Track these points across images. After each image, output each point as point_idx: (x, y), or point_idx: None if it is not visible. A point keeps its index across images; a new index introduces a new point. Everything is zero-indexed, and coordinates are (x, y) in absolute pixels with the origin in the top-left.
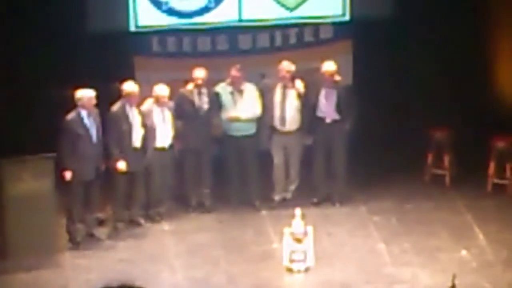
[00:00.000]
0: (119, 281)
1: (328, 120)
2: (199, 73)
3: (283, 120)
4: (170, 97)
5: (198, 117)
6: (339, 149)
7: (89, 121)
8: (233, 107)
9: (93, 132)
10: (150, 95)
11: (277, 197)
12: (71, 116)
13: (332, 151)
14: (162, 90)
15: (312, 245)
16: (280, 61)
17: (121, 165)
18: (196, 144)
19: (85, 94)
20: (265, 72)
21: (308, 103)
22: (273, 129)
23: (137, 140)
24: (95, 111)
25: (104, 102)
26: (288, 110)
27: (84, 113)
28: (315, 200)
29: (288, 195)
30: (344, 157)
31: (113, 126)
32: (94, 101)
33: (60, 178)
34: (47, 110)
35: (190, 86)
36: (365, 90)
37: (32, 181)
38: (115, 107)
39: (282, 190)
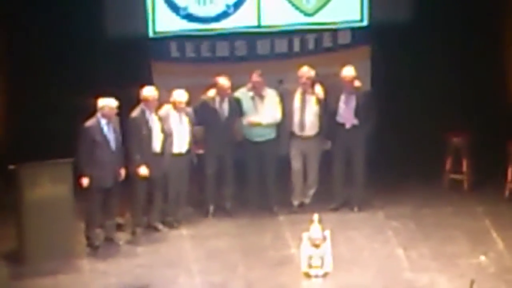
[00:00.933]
0: (135, 286)
1: (347, 126)
2: (225, 82)
3: (302, 125)
4: (188, 103)
5: (220, 124)
6: (358, 155)
7: (108, 129)
8: (254, 112)
9: (112, 140)
10: (168, 101)
11: (295, 202)
12: (90, 123)
13: (351, 156)
14: (180, 95)
15: (330, 250)
16: (298, 67)
17: (143, 171)
18: (218, 149)
19: (108, 103)
20: (283, 78)
21: (328, 109)
22: (292, 134)
23: (157, 145)
24: (115, 119)
25: (123, 108)
26: (308, 116)
27: (103, 121)
28: (333, 205)
29: (307, 200)
30: (363, 163)
31: (133, 131)
32: (115, 111)
33: (78, 185)
34: (66, 116)
35: (211, 92)
36: (383, 95)
37: (50, 186)
38: (135, 113)
39: (301, 195)
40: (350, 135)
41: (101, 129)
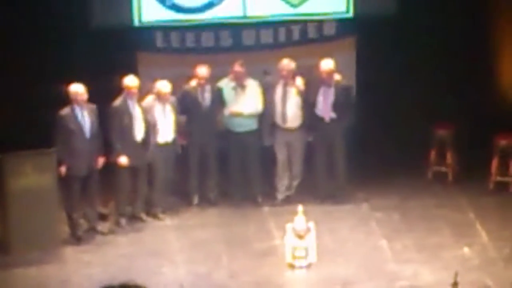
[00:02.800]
0: (120, 280)
1: (326, 119)
2: (202, 71)
3: (284, 117)
4: (173, 93)
5: (202, 113)
6: (339, 147)
7: (83, 116)
8: (235, 102)
9: (87, 128)
10: (152, 91)
11: (279, 194)
12: (64, 111)
13: (333, 149)
14: (163, 86)
15: (314, 241)
16: (283, 58)
17: (123, 160)
18: (200, 139)
19: (76, 89)
20: (268, 68)
21: (307, 101)
22: (275, 125)
23: (139, 135)
24: (90, 106)
25: (107, 98)
26: (289, 107)
27: (78, 109)
28: (317, 198)
29: (291, 192)
30: (344, 155)
31: (114, 120)
32: (85, 97)
33: (60, 175)
34: (50, 105)
35: (193, 82)
36: (368, 87)
37: (34, 176)
38: (117, 102)
39: (285, 186)
40: (330, 128)
41: (76, 117)
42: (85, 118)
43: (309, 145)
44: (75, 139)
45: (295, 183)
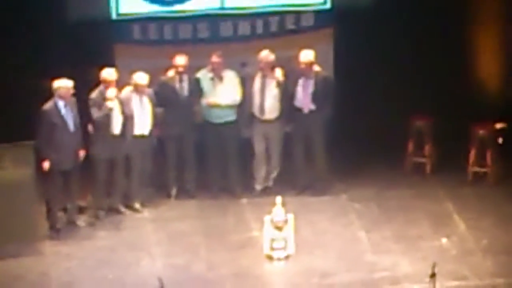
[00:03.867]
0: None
1: (305, 110)
2: (180, 60)
3: (262, 108)
4: (151, 85)
5: (180, 104)
6: (317, 139)
7: (66, 110)
8: (213, 93)
9: (70, 122)
10: (129, 83)
11: (258, 185)
12: (48, 105)
13: (311, 140)
14: (140, 78)
15: (293, 233)
16: (261, 49)
17: (111, 104)
18: (178, 130)
19: (63, 84)
20: (246, 60)
21: (286, 92)
22: (253, 117)
23: (116, 127)
24: (72, 100)
25: (85, 90)
26: (267, 99)
27: (61, 103)
28: (296, 189)
29: (269, 183)
30: (323, 146)
31: (91, 112)
32: (71, 91)
33: (40, 168)
34: (27, 98)
35: (171, 73)
36: (346, 78)
37: (12, 169)
38: (94, 94)
39: (263, 178)
40: (308, 119)
41: (59, 111)
42: (68, 112)
43: (288, 136)
44: (59, 133)
45: (274, 174)
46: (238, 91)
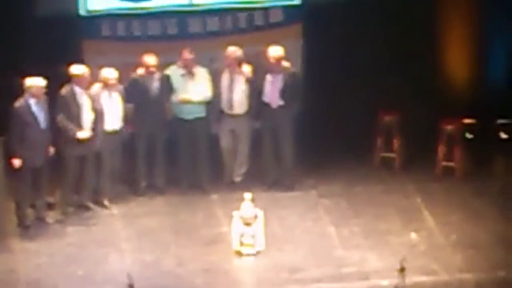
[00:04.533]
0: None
1: (273, 106)
2: (150, 60)
3: (230, 104)
4: (120, 81)
5: (150, 101)
6: (285, 134)
7: (37, 108)
8: (184, 89)
9: (41, 119)
10: (98, 79)
11: (226, 181)
12: (19, 103)
13: (280, 135)
14: (109, 73)
15: (262, 228)
16: (229, 45)
17: (82, 134)
18: (148, 127)
19: (35, 83)
20: (215, 56)
21: (254, 88)
22: (221, 112)
23: (87, 123)
24: (43, 97)
25: (53, 87)
26: (236, 94)
27: (32, 100)
28: (265, 184)
29: (238, 179)
30: (291, 142)
31: (63, 109)
32: (44, 90)
33: (8, 164)
34: None
35: (140, 70)
36: (315, 73)
37: None
38: (64, 90)
39: (232, 173)
40: (277, 115)
41: (30, 109)
42: (40, 109)
43: (256, 132)
44: (30, 130)
45: (242, 170)
46: (209, 87)
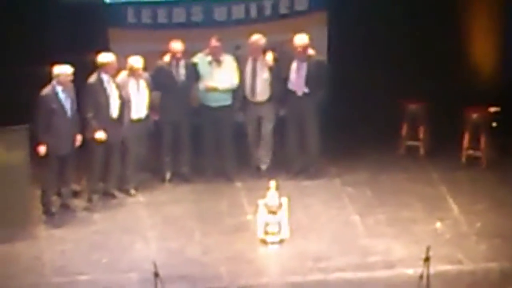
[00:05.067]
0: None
1: (299, 93)
2: (177, 46)
3: (253, 91)
4: (146, 69)
5: (176, 89)
6: (310, 122)
7: (64, 96)
8: (211, 77)
9: (68, 107)
10: (125, 67)
11: (252, 168)
12: (46, 91)
13: (305, 123)
14: (136, 61)
15: (287, 217)
16: (254, 33)
17: (100, 135)
18: (174, 115)
19: (63, 71)
20: (240, 44)
21: (279, 75)
22: (245, 99)
23: (114, 111)
24: (70, 85)
25: (79, 74)
26: (259, 82)
27: (59, 88)
28: (290, 173)
29: (264, 166)
30: (316, 130)
31: (90, 97)
32: (71, 78)
33: (34, 152)
34: (22, 83)
35: (167, 58)
36: (340, 62)
37: (6, 153)
38: (92, 79)
39: (258, 161)
40: (302, 102)
41: (57, 97)
42: (67, 97)
43: (281, 120)
44: (57, 118)
45: (267, 158)
46: (236, 75)
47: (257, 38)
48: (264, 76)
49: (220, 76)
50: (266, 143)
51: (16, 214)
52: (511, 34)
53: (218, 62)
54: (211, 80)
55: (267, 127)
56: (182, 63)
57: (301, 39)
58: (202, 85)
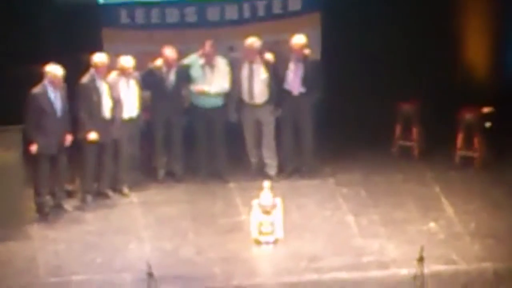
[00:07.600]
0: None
1: (295, 93)
2: (171, 54)
3: (251, 94)
4: (138, 68)
5: (167, 91)
6: (306, 122)
7: (55, 95)
8: (203, 81)
9: (58, 107)
10: (116, 67)
11: (253, 172)
12: (37, 90)
13: (300, 123)
14: (127, 61)
15: (281, 217)
16: (248, 34)
17: (93, 136)
18: (165, 115)
19: (54, 71)
20: (234, 45)
21: (276, 75)
22: (242, 102)
23: (106, 111)
24: (61, 85)
25: (72, 75)
26: (256, 84)
27: (50, 88)
28: (284, 172)
29: (272, 172)
30: (311, 130)
31: (83, 97)
32: (61, 80)
33: (27, 152)
34: (15, 83)
35: (159, 61)
36: (333, 63)
37: None
38: (85, 79)
39: (263, 166)
40: (298, 102)
41: (48, 96)
42: (58, 97)
43: (276, 120)
44: (46, 118)
45: (274, 163)
46: (228, 79)
47: (252, 41)
48: (261, 78)
49: (212, 79)
50: (270, 146)
51: (10, 214)
52: (505, 35)
53: (211, 66)
54: (203, 83)
55: (267, 129)
56: (173, 69)
57: (298, 39)
58: (193, 88)
